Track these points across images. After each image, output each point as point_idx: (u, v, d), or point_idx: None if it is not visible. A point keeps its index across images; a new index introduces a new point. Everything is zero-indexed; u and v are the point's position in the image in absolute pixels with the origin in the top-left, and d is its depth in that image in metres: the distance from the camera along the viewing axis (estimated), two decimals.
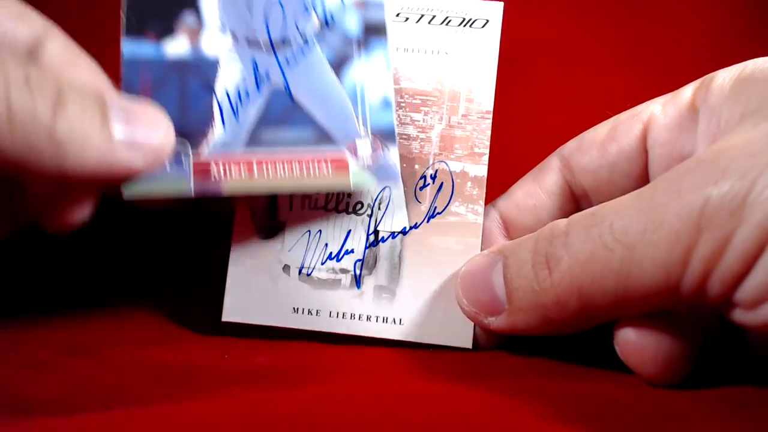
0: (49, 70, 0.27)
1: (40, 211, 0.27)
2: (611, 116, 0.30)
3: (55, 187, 0.26)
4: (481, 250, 0.30)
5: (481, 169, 0.30)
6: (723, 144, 0.23)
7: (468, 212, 0.30)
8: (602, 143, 0.29)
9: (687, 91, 0.28)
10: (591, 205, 0.29)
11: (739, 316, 0.23)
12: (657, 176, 0.28)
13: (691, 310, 0.25)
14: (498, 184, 0.32)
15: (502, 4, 0.31)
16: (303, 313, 0.30)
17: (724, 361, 0.28)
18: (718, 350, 0.28)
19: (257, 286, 0.30)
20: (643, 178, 0.29)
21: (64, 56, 0.28)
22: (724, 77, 0.26)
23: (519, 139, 0.41)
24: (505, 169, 0.32)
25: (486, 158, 0.30)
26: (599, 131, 0.30)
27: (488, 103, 0.30)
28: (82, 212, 0.27)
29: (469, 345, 0.29)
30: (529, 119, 0.42)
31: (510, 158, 0.34)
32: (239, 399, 0.23)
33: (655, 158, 0.28)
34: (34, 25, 0.28)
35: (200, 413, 0.21)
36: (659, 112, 0.28)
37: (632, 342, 0.25)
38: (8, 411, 0.21)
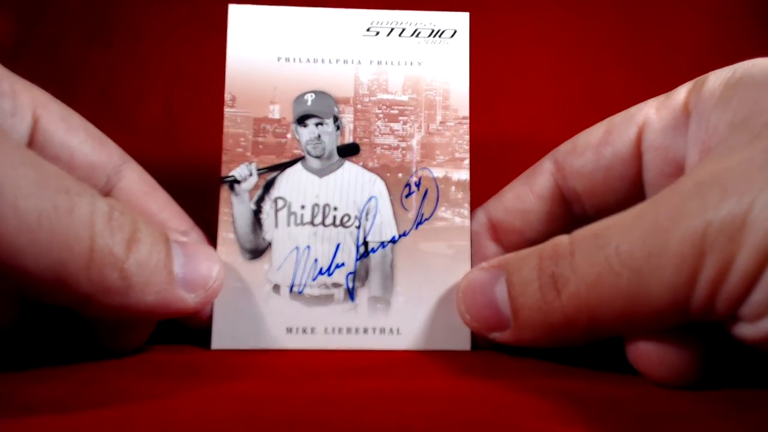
0: (125, 200, 0.28)
1: (99, 335, 0.27)
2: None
3: (112, 320, 0.26)
4: (471, 252, 0.30)
5: (463, 173, 0.31)
6: (720, 165, 0.23)
7: (455, 216, 0.30)
8: (597, 146, 0.29)
9: (681, 93, 0.28)
10: (583, 208, 0.30)
11: (741, 329, 0.23)
12: (651, 180, 0.28)
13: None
14: (496, 185, 0.32)
15: (468, 14, 0.31)
16: (297, 332, 0.29)
17: (724, 361, 0.28)
18: (718, 351, 0.29)
19: (246, 310, 0.29)
20: (637, 181, 0.29)
21: (140, 186, 0.30)
22: (714, 81, 0.26)
23: (518, 139, 0.41)
24: (502, 171, 0.32)
25: (467, 162, 0.31)
26: (593, 134, 0.30)
27: (464, 109, 0.31)
28: (138, 339, 0.28)
29: (467, 347, 0.29)
30: (528, 119, 0.42)
31: (509, 159, 0.34)
32: (239, 398, 0.22)
33: (649, 162, 0.28)
34: (113, 152, 0.29)
35: (200, 412, 0.21)
36: (653, 115, 0.28)
37: (643, 348, 0.25)
38: (8, 411, 0.20)
